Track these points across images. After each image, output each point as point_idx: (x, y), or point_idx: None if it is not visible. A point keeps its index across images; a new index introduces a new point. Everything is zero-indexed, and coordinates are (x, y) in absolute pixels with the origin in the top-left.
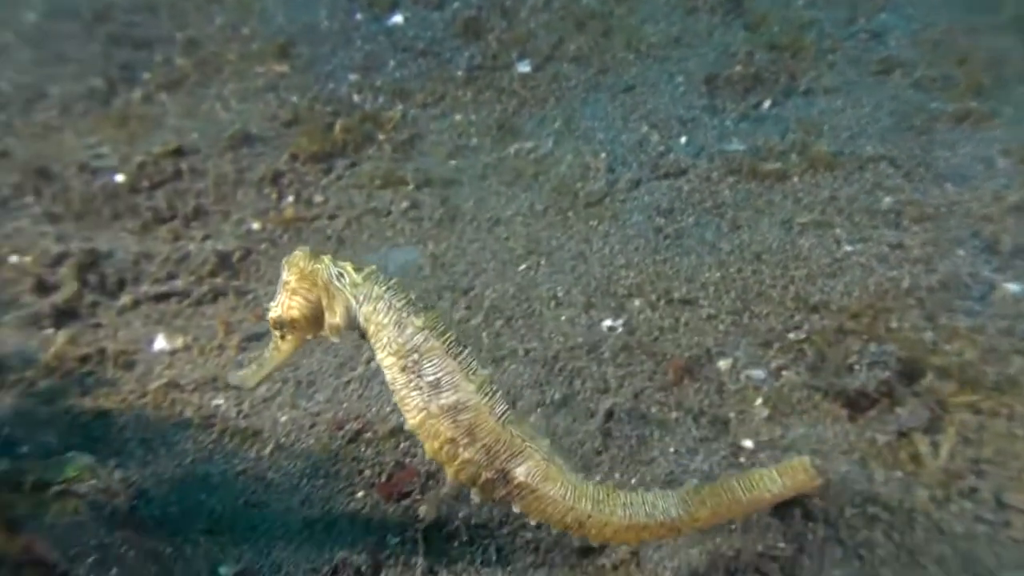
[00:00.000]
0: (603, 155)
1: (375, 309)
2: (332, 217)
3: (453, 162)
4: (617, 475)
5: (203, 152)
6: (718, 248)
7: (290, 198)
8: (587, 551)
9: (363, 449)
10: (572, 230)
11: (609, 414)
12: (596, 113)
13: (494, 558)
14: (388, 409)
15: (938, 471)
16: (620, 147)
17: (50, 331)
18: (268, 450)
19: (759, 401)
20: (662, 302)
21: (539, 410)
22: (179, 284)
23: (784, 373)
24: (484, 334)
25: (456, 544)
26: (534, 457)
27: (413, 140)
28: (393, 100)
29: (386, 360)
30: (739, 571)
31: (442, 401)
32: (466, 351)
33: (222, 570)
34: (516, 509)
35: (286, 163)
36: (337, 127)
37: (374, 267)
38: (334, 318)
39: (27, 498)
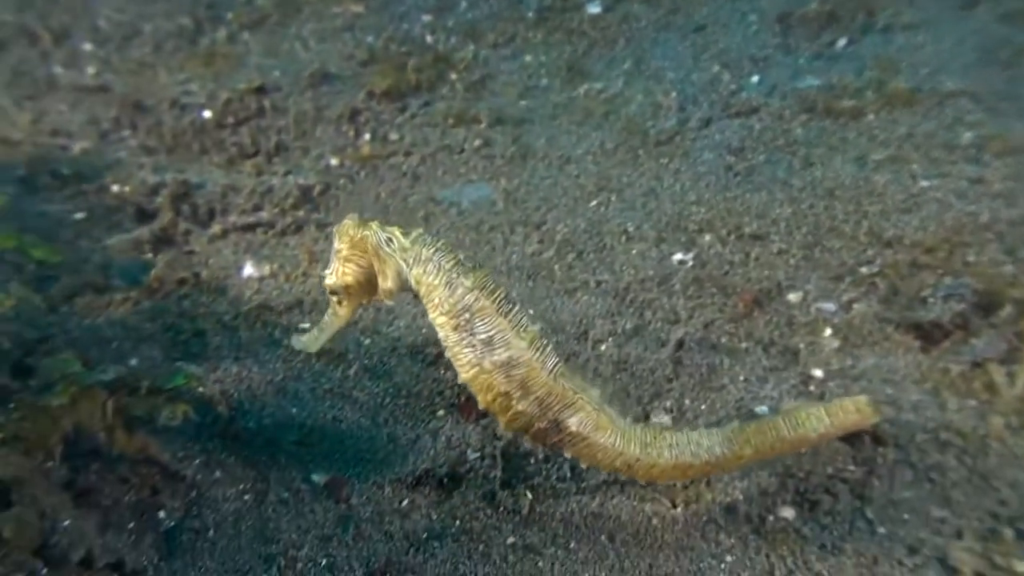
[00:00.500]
0: (673, 95)
1: (425, 271)
2: (407, 154)
3: (524, 102)
4: (687, 401)
5: (284, 90)
6: (789, 185)
7: (367, 135)
8: None
9: (443, 372)
10: (642, 168)
11: (680, 343)
12: (666, 53)
13: (568, 475)
14: None
15: (1014, 400)
16: (691, 87)
17: (149, 255)
18: (353, 371)
19: (829, 332)
20: (732, 237)
21: (611, 339)
22: (264, 216)
23: (855, 306)
24: (556, 267)
25: (532, 461)
26: (585, 408)
27: (484, 80)
28: (465, 41)
29: (438, 319)
30: (808, 492)
31: (495, 358)
32: (515, 308)
33: (314, 477)
34: (567, 455)
35: (363, 101)
36: (410, 67)
37: (420, 230)
38: (387, 282)
39: (142, 402)
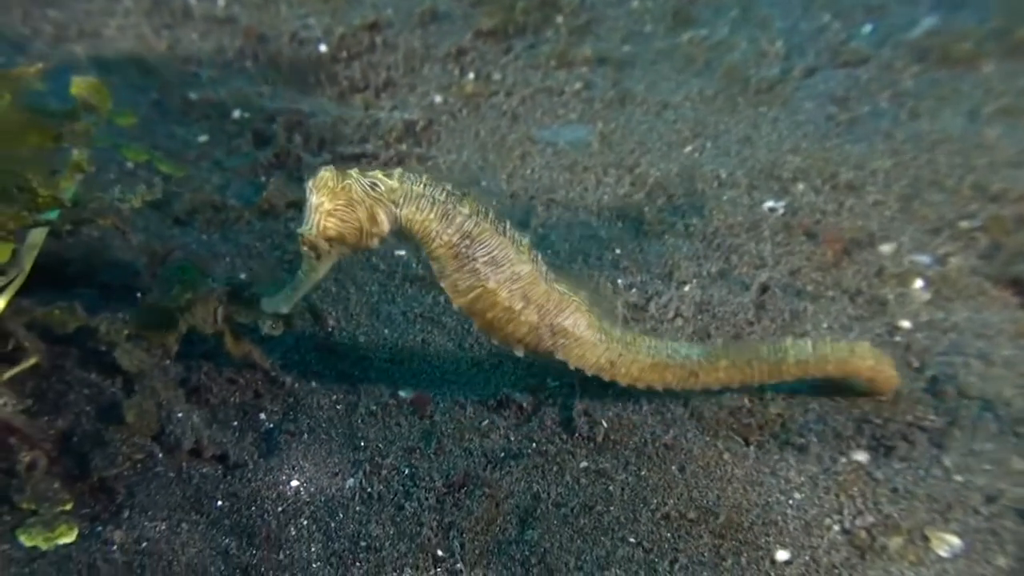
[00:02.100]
0: (779, 43)
1: (418, 208)
2: (508, 94)
3: (627, 47)
4: None
5: (396, 27)
6: (892, 136)
7: (471, 74)
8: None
9: None
10: (740, 115)
11: (763, 288)
12: (775, 1)
13: (644, 407)
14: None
15: None
16: (798, 35)
17: (263, 178)
18: (444, 297)
19: (920, 284)
20: (827, 187)
21: (695, 281)
22: (369, 147)
23: (951, 259)
24: (646, 209)
25: (609, 392)
26: (579, 309)
27: (589, 24)
28: None
29: (437, 251)
30: (885, 438)
31: (499, 276)
32: (507, 224)
33: (401, 393)
34: (558, 357)
35: (469, 41)
36: (518, 8)
37: (400, 170)
38: (376, 226)
39: (249, 311)
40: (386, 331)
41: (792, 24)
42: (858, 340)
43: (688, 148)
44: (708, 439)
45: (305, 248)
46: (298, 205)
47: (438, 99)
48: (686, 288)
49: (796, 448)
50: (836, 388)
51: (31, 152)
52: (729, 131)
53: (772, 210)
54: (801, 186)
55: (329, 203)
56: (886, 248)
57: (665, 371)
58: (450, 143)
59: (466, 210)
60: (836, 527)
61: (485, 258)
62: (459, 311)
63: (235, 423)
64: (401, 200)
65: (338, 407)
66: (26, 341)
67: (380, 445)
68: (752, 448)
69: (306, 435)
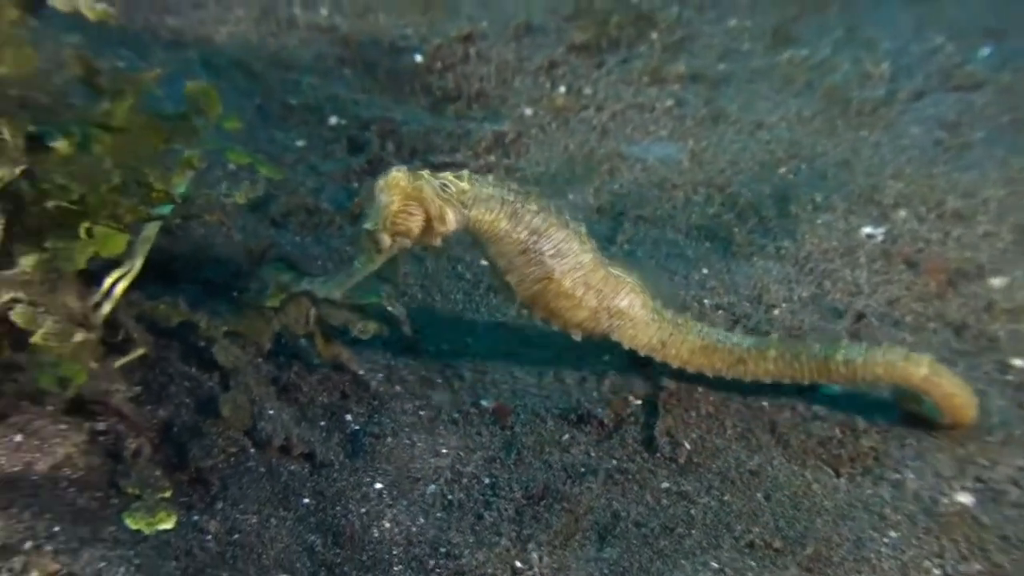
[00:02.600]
0: (885, 64)
1: (487, 208)
2: (599, 109)
3: (722, 65)
4: None
5: (490, 39)
6: (1008, 164)
7: (562, 88)
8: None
9: None
10: (839, 138)
11: (859, 316)
12: (884, 21)
13: (728, 431)
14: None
15: None
16: (907, 57)
17: (356, 184)
18: (527, 310)
19: None
20: (932, 214)
21: (784, 305)
22: (459, 157)
23: None
24: (736, 230)
25: (694, 415)
26: (634, 290)
27: (684, 41)
28: (670, 1)
29: (503, 249)
30: (994, 481)
31: (564, 266)
32: (567, 216)
33: (483, 402)
34: (613, 337)
35: (562, 55)
36: (612, 23)
37: (468, 172)
38: (444, 226)
39: (340, 314)
40: (469, 340)
41: (901, 45)
42: (923, 355)
43: (782, 169)
44: (795, 468)
45: (368, 243)
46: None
47: (528, 112)
48: (775, 312)
49: (891, 484)
50: (909, 415)
51: (147, 151)
52: (826, 154)
53: (870, 236)
54: (903, 213)
55: (399, 203)
56: (997, 282)
57: (714, 355)
58: (539, 155)
59: (534, 207)
60: (937, 571)
61: (552, 251)
62: (520, 305)
63: (322, 423)
64: (471, 201)
65: (421, 413)
66: (135, 332)
67: (461, 453)
68: (843, 480)
69: (390, 439)
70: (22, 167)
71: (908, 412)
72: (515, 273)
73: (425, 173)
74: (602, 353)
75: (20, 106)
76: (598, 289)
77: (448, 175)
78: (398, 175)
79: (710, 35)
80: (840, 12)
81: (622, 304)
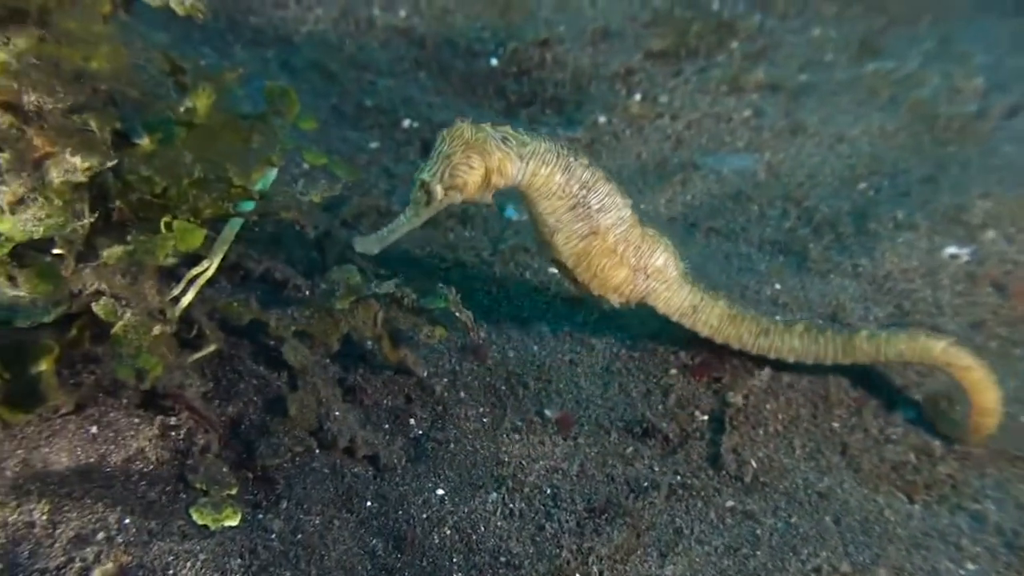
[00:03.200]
0: (978, 79)
1: (544, 161)
2: (674, 118)
3: (803, 76)
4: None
5: (567, 44)
6: None
7: (637, 95)
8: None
9: (678, 331)
10: (924, 154)
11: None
12: (979, 35)
13: (797, 451)
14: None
15: None
16: (1002, 72)
17: None
18: (594, 318)
19: None
20: (1022, 236)
21: (860, 324)
22: None
23: None
24: (812, 245)
25: (762, 433)
26: (668, 250)
27: (765, 50)
28: (752, 8)
29: (554, 203)
30: None
31: (608, 220)
32: (609, 172)
33: (547, 411)
34: (649, 302)
35: (639, 61)
36: (692, 31)
37: (521, 128)
38: (502, 179)
39: (407, 318)
40: (535, 347)
41: (996, 59)
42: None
43: (862, 185)
44: (867, 492)
45: (420, 193)
46: (456, 215)
47: (602, 118)
48: None
49: (970, 514)
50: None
51: (227, 149)
52: (910, 170)
53: (954, 257)
54: (991, 233)
55: (461, 155)
56: None
57: (741, 324)
58: (611, 163)
59: (585, 160)
60: None
61: (598, 205)
62: (562, 267)
63: (386, 426)
64: (529, 155)
65: (484, 420)
66: (208, 329)
67: (523, 462)
68: (917, 507)
69: (452, 444)
70: (112, 161)
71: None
72: (563, 231)
73: (487, 126)
74: (668, 367)
75: (110, 101)
76: (636, 246)
77: (507, 129)
78: (463, 126)
79: (792, 45)
80: (932, 25)
81: (658, 263)
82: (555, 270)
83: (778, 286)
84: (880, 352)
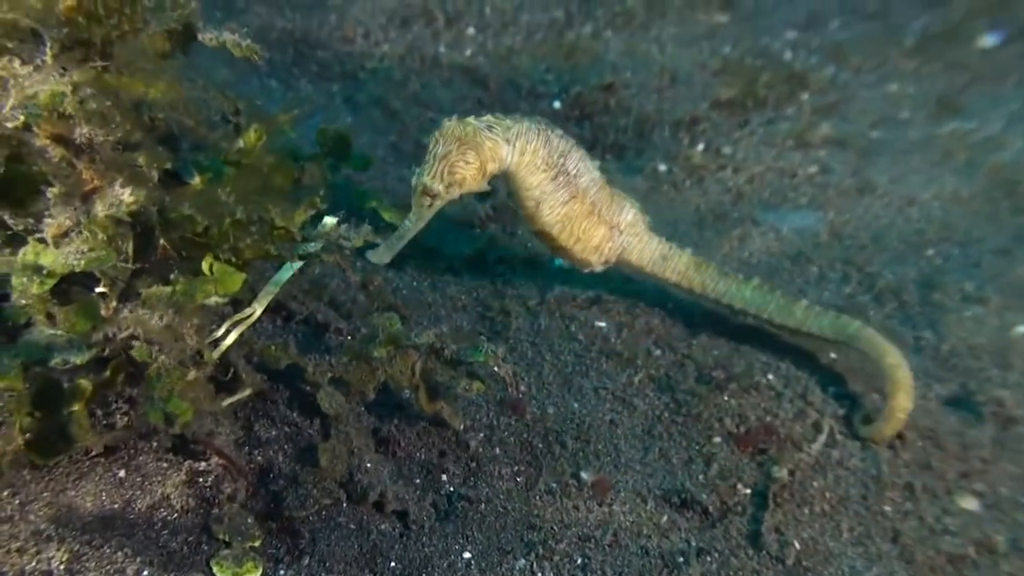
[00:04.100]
0: None
1: (528, 139)
2: (736, 170)
3: (876, 133)
4: (1004, 490)
5: (632, 89)
6: None
7: (700, 145)
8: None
9: (727, 398)
10: (1000, 223)
11: (1008, 421)
12: None
13: (844, 534)
14: (754, 364)
15: None
16: None
17: (478, 230)
18: (638, 379)
19: None
20: None
21: (920, 402)
22: None
23: None
24: (871, 313)
25: (807, 512)
26: (633, 206)
27: (837, 104)
28: (826, 61)
29: (539, 177)
30: None
31: (584, 182)
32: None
33: (583, 474)
34: (626, 258)
35: (704, 111)
36: (761, 81)
37: (498, 115)
38: (496, 164)
39: (445, 370)
40: (576, 404)
41: None
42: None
43: (930, 252)
44: None
45: (422, 197)
46: (506, 260)
47: (662, 167)
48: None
49: None
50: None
51: (274, 190)
52: (983, 239)
53: None
54: None
55: (457, 151)
56: None
57: (705, 271)
58: (668, 214)
59: (559, 130)
60: None
61: (575, 170)
62: (547, 236)
63: (418, 480)
64: (514, 136)
65: (518, 479)
66: (244, 372)
67: (555, 528)
68: None
69: (483, 505)
70: (159, 198)
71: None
72: (547, 200)
73: (471, 119)
74: (711, 434)
75: (167, 138)
76: (608, 204)
77: (489, 118)
78: (450, 123)
79: (866, 100)
80: (1018, 85)
81: (629, 217)
82: (547, 249)
83: (833, 355)
84: (807, 322)
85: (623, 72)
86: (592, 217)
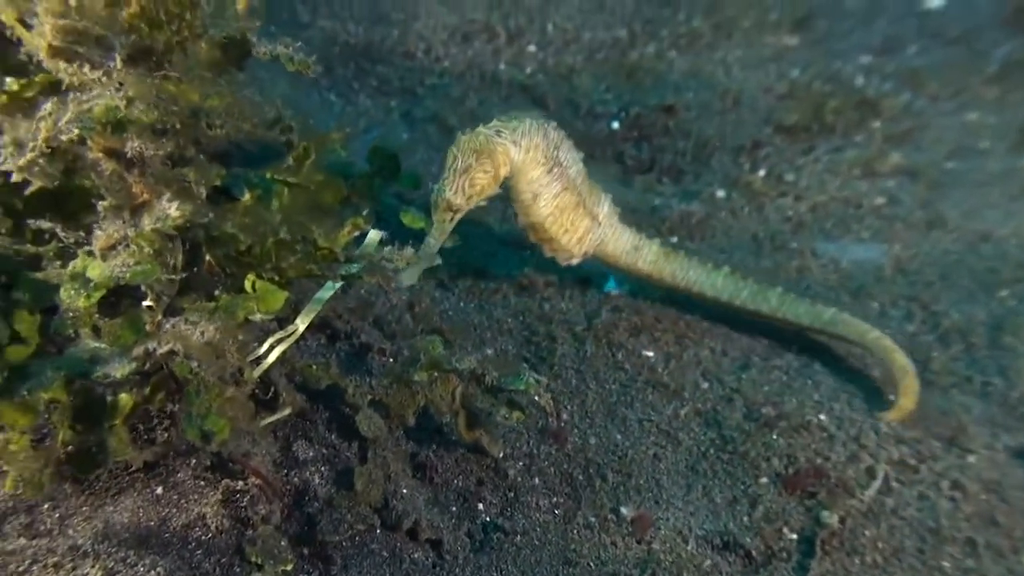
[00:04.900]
0: None
1: (531, 138)
2: (798, 198)
3: (951, 164)
4: None
5: (693, 111)
6: None
7: (762, 171)
8: None
9: (775, 437)
10: None
11: None
12: None
13: None
14: (806, 402)
15: None
16: None
17: (529, 252)
18: (684, 412)
19: None
20: None
21: (984, 452)
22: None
23: None
24: (935, 354)
25: (857, 562)
26: (608, 196)
27: (911, 133)
28: (901, 87)
29: (537, 172)
30: None
31: (573, 172)
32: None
33: (623, 509)
34: (605, 249)
35: (767, 136)
36: (829, 106)
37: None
38: (506, 168)
39: (486, 397)
40: (618, 436)
41: None
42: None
43: (1003, 292)
44: None
45: (443, 212)
46: (554, 284)
47: (721, 192)
48: (970, 459)
49: None
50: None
51: (322, 208)
52: None
53: None
54: None
55: (475, 163)
56: None
57: (675, 260)
58: (724, 241)
59: (554, 123)
60: None
61: (566, 161)
62: (537, 228)
63: (454, 508)
64: (520, 137)
65: (556, 511)
66: (284, 392)
67: (591, 564)
68: None
69: (519, 537)
70: (206, 214)
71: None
72: (543, 194)
73: (480, 127)
74: (758, 474)
75: (219, 154)
76: (590, 195)
77: (495, 122)
78: (463, 137)
79: (942, 128)
80: None
81: (605, 209)
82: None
83: (891, 396)
84: (782, 308)
85: (685, 93)
86: (580, 208)
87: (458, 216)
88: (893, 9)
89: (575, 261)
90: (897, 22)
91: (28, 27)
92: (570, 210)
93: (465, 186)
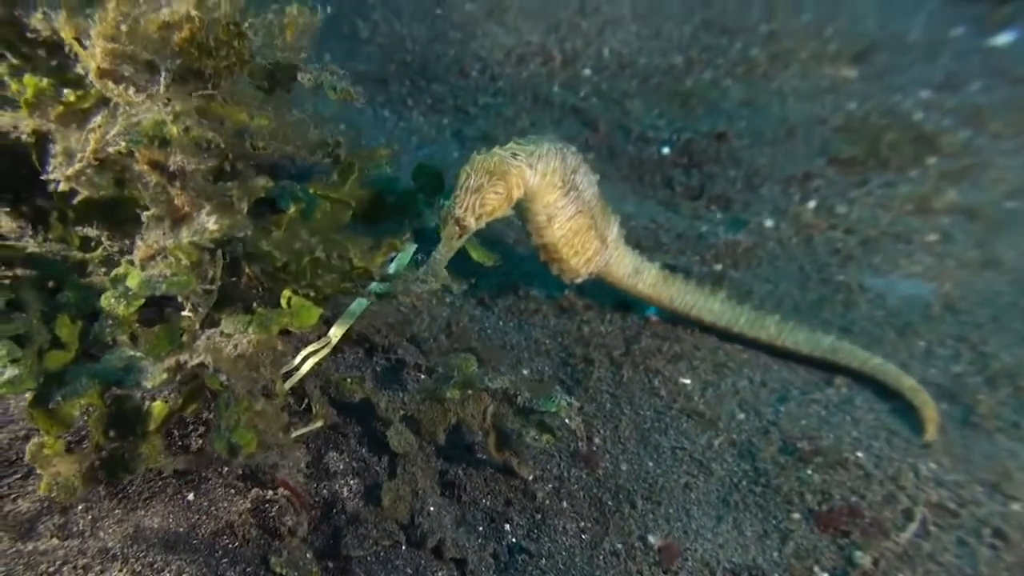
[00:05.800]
0: None
1: (548, 162)
2: (848, 231)
3: (1010, 203)
4: None
5: (745, 140)
6: None
7: (812, 203)
8: None
9: (810, 473)
10: None
11: None
12: None
13: None
14: (844, 439)
15: None
16: None
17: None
18: (718, 442)
19: None
20: None
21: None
22: (683, 260)
23: None
24: (982, 397)
25: None
26: (617, 221)
27: (970, 170)
28: (961, 124)
29: (553, 195)
30: None
31: (588, 195)
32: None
33: (651, 538)
34: (609, 269)
35: (820, 167)
36: (885, 140)
37: (520, 141)
38: (519, 191)
39: (517, 418)
40: (650, 463)
41: None
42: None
43: None
44: None
45: (454, 228)
46: (594, 307)
47: (769, 223)
48: (1015, 507)
49: None
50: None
51: (362, 225)
52: None
53: None
54: None
55: (487, 183)
56: None
57: (674, 284)
58: (769, 272)
59: (573, 148)
60: None
61: (582, 184)
62: (550, 248)
63: (480, 528)
64: (536, 160)
65: (583, 536)
66: (317, 404)
67: None
68: None
69: (544, 560)
70: (246, 228)
71: None
72: (559, 216)
73: (496, 149)
74: (791, 509)
75: (267, 167)
76: (602, 217)
77: (511, 144)
78: (478, 157)
79: (1003, 168)
80: None
81: (614, 232)
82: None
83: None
84: (779, 337)
85: (738, 122)
86: (591, 231)
87: (467, 235)
88: (958, 45)
89: (579, 280)
90: (961, 58)
91: (84, 46)
92: (582, 233)
93: (475, 205)
